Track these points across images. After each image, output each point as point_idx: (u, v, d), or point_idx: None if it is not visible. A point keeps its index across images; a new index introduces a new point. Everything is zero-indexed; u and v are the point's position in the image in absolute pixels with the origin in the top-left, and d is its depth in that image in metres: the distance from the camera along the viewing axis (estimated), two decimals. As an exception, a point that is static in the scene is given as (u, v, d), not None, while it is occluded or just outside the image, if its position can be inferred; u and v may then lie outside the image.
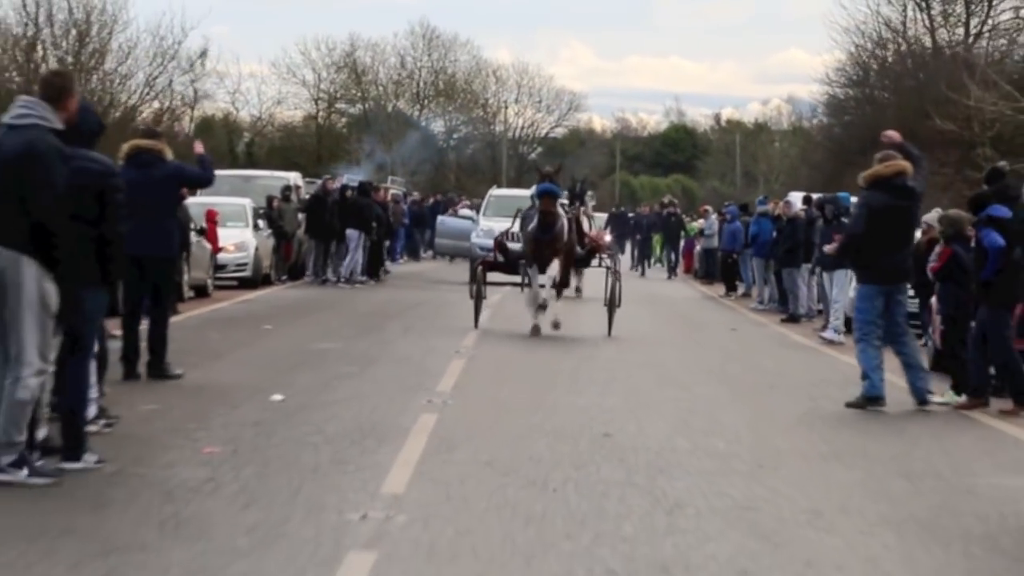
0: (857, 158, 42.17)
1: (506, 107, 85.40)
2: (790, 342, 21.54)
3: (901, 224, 13.65)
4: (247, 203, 28.61)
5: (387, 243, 35.94)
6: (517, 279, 22.59)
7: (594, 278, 24.14)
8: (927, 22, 51.18)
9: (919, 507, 8.82)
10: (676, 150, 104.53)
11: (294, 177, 33.71)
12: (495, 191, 39.91)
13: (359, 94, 79.72)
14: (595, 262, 22.37)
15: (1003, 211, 13.57)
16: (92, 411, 9.85)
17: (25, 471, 8.43)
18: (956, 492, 9.41)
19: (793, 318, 24.96)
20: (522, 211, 21.40)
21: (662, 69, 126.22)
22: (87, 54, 38.90)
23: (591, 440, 10.71)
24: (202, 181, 15.10)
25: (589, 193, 47.50)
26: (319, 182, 32.05)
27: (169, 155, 13.98)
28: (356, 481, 8.72)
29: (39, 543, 7.01)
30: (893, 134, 14.01)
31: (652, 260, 45.78)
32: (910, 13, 51.10)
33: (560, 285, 20.47)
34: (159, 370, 13.51)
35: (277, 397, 12.23)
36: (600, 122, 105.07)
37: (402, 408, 11.90)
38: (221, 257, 26.65)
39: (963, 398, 13.74)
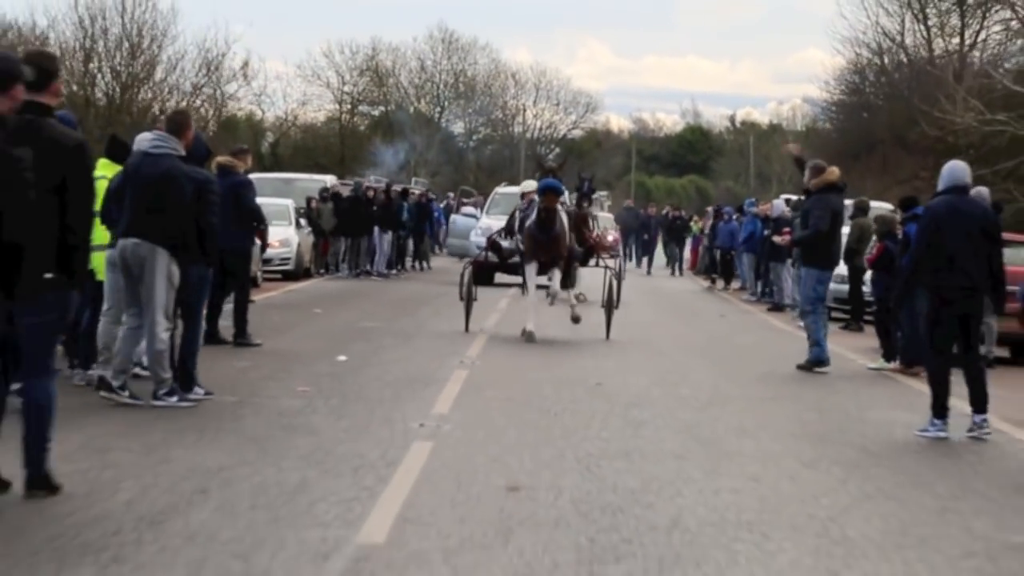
0: (851, 162, 45.74)
1: (524, 110, 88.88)
2: (770, 326, 25.07)
3: (839, 220, 17.20)
4: (289, 203, 32.20)
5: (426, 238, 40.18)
6: (513, 279, 23.18)
7: (595, 280, 23.40)
8: (924, 32, 54.61)
9: (820, 428, 12.32)
10: (692, 151, 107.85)
11: (331, 180, 37.38)
12: (501, 189, 39.63)
13: (381, 97, 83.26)
14: (592, 262, 21.61)
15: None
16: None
17: (175, 397, 11.98)
18: (852, 420, 12.94)
19: (778, 307, 28.48)
20: (519, 208, 20.95)
21: (679, 68, 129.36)
22: (138, 65, 42.79)
23: (586, 387, 14.24)
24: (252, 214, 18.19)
25: (604, 193, 49.63)
26: (352, 184, 35.89)
27: (242, 168, 17.49)
28: (413, 407, 12.25)
29: (207, 435, 10.56)
30: (793, 147, 17.82)
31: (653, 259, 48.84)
32: (908, 24, 54.58)
33: (564, 285, 20.04)
34: (243, 339, 17.08)
35: (341, 358, 15.79)
36: (617, 122, 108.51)
37: (440, 366, 15.45)
38: (267, 252, 30.17)
39: (893, 363, 17.26)
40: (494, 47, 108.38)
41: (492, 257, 21.79)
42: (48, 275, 8.05)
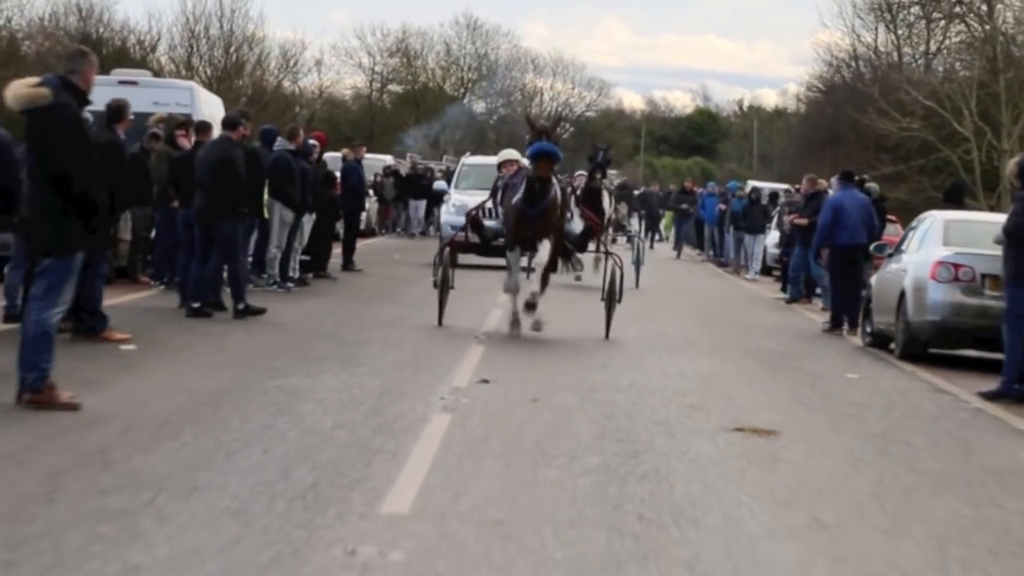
0: (817, 152, 56.34)
1: (541, 92, 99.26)
2: (716, 274, 35.76)
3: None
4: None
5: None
6: (494, 261, 22.49)
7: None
8: (895, 40, 64.99)
9: (767, 362, 21.47)
10: (700, 133, 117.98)
11: (391, 159, 48.05)
12: (468, 159, 38.17)
13: (409, 77, 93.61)
14: (592, 246, 20.14)
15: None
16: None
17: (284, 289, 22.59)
18: (790, 356, 22.39)
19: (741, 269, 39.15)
20: (502, 179, 19.05)
21: (696, 47, 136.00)
22: (230, 61, 53.62)
23: (592, 339, 18.83)
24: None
25: (615, 172, 56.41)
26: (408, 162, 46.84)
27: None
28: (475, 313, 22.64)
29: (291, 331, 21.14)
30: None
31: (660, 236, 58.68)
32: (881, 34, 64.97)
33: (547, 271, 18.27)
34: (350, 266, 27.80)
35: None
36: (630, 102, 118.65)
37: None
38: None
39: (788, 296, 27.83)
40: (515, 33, 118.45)
41: (473, 238, 20.03)
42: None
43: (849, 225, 22.37)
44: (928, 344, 18.81)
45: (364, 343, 16.66)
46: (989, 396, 15.25)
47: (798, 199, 29.80)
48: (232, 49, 53.27)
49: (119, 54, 50.37)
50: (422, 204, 45.13)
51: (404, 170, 44.82)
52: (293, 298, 21.91)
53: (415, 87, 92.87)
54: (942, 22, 62.69)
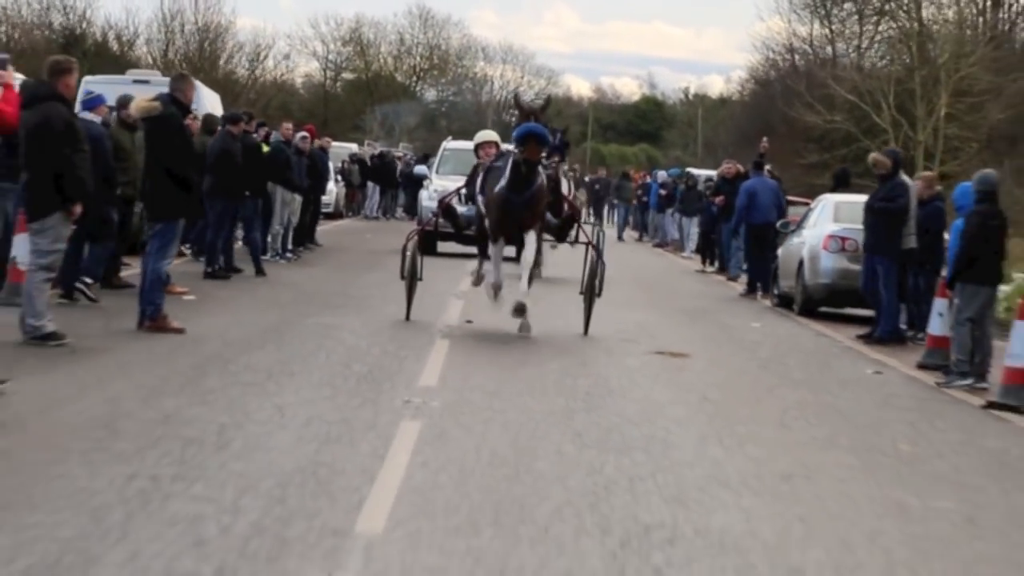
0: (755, 141, 61.23)
1: (492, 81, 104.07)
2: (658, 254, 40.61)
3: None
4: (330, 164, 47.47)
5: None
6: (469, 249, 22.99)
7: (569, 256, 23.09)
8: (828, 34, 69.98)
9: (689, 315, 27.39)
10: (646, 120, 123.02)
11: (356, 147, 52.66)
12: (450, 143, 37.69)
13: (363, 65, 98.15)
14: (571, 235, 19.39)
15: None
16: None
17: (286, 260, 27.32)
18: (709, 312, 28.10)
19: (662, 244, 43.94)
20: (482, 164, 17.97)
21: (645, 34, 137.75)
22: (206, 54, 58.25)
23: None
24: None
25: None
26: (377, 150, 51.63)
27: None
28: (453, 283, 27.39)
29: (305, 289, 25.83)
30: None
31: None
32: (816, 28, 69.92)
33: (533, 269, 17.74)
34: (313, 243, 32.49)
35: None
36: (577, 89, 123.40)
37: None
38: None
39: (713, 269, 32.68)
40: (466, 23, 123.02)
41: (445, 225, 19.81)
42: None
43: (762, 206, 27.19)
44: (820, 302, 23.62)
45: (367, 297, 21.35)
46: (864, 338, 20.07)
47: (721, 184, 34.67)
48: (206, 43, 58.06)
49: (100, 48, 55.09)
50: (380, 188, 49.94)
51: (368, 156, 49.56)
52: (295, 266, 26.56)
53: (368, 75, 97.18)
54: (874, 18, 67.73)
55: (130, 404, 11.11)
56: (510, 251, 18.36)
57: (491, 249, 17.75)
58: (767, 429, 12.24)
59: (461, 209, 19.25)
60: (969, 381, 15.79)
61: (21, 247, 16.95)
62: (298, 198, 27.96)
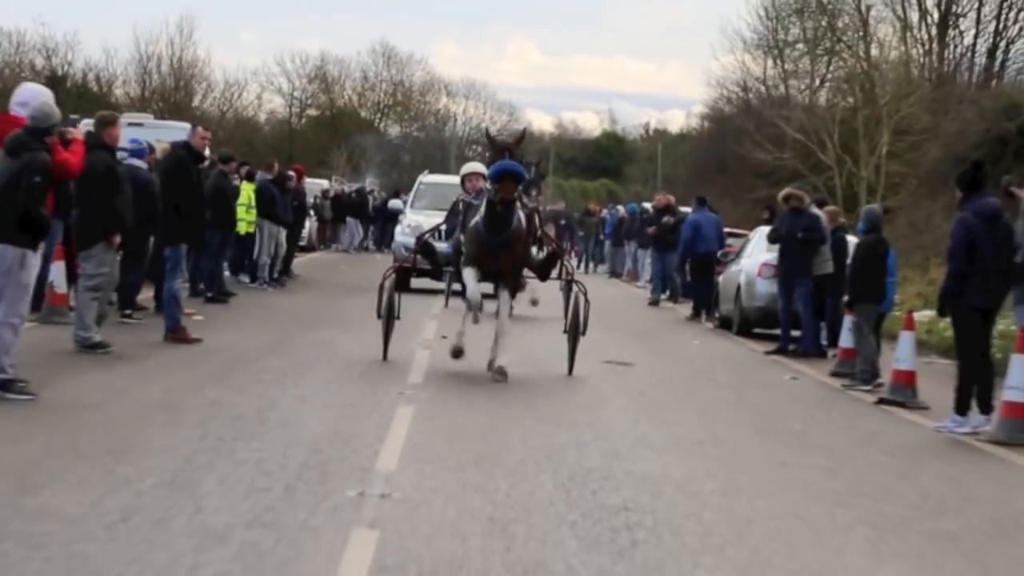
0: (711, 176, 64.70)
1: (455, 117, 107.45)
2: (613, 284, 43.85)
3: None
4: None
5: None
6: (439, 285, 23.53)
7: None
8: (782, 73, 73.45)
9: (637, 334, 30.48)
10: (607, 156, 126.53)
11: (326, 183, 55.81)
12: (426, 177, 37.17)
13: (328, 102, 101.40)
14: (554, 272, 18.62)
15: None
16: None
17: (273, 287, 30.46)
18: (656, 332, 31.31)
19: (616, 274, 47.20)
20: (462, 200, 17.89)
21: (607, 68, 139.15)
22: (180, 95, 61.54)
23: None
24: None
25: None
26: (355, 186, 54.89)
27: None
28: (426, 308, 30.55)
29: (296, 312, 28.98)
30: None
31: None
32: (769, 68, 73.38)
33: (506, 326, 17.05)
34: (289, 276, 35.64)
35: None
36: (539, 124, 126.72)
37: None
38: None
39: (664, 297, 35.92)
40: (429, 61, 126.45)
41: (422, 262, 19.49)
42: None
43: (706, 238, 30.46)
44: (755, 323, 26.79)
45: (352, 318, 24.38)
46: (778, 351, 23.26)
47: (655, 215, 37.91)
48: (181, 84, 61.41)
49: (81, 89, 58.39)
50: (355, 222, 53.25)
51: (334, 191, 52.95)
52: (280, 293, 29.65)
53: (332, 112, 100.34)
54: (824, 57, 71.21)
55: (181, 393, 14.21)
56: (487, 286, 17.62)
57: (464, 274, 17.17)
58: (690, 415, 15.42)
59: (440, 246, 19.08)
60: (870, 386, 18.94)
61: (57, 273, 20.14)
62: (283, 231, 31.10)
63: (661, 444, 13.02)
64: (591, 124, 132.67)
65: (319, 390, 15.04)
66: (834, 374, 20.64)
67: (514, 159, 16.68)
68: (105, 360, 16.44)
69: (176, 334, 18.73)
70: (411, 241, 27.25)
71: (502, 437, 12.73)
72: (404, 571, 7.88)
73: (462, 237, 17.44)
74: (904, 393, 17.63)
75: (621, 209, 52.20)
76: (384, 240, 54.91)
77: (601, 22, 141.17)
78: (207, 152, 23.50)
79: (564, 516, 9.52)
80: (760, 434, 14.34)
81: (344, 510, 9.26)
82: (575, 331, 18.14)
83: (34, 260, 13.88)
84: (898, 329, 19.09)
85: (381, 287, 18.46)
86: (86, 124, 32.44)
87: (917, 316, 21.25)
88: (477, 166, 18.96)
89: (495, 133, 16.45)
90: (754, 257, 27.12)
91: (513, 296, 17.60)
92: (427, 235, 19.45)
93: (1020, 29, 63.22)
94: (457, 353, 17.07)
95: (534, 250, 17.90)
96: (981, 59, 65.39)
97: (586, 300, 18.11)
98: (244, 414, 13.05)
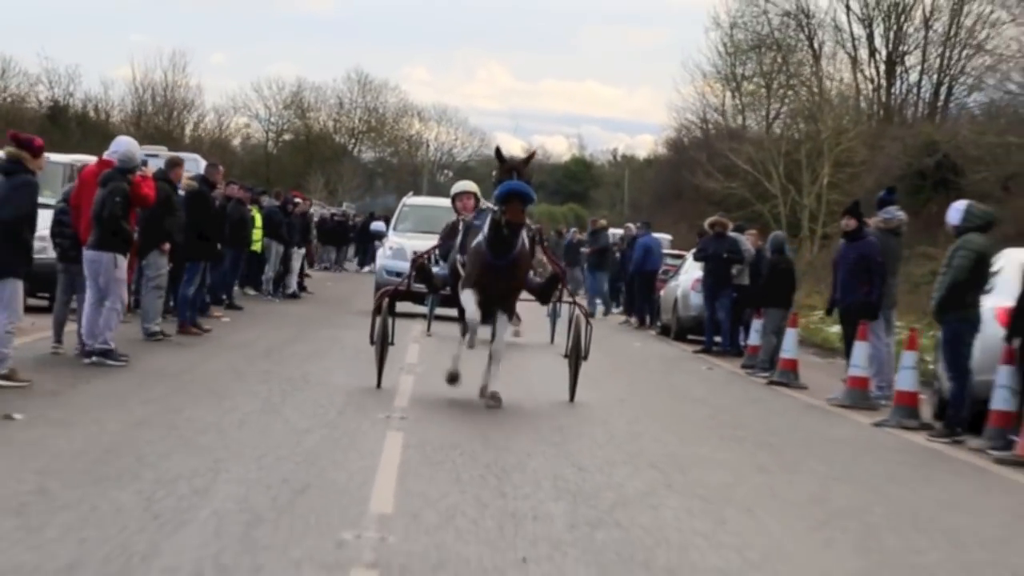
0: (670, 202, 70.32)
1: (427, 143, 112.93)
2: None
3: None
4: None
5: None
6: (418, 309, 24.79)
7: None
8: (739, 105, 79.19)
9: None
10: (575, 180, 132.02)
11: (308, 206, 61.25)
12: (410, 199, 37.70)
13: (304, 127, 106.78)
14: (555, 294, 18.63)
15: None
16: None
17: (277, 298, 35.93)
18: (604, 338, 36.76)
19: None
20: (464, 222, 17.59)
21: (577, 93, 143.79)
22: (173, 126, 67.19)
23: None
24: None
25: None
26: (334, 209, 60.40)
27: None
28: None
29: (305, 317, 34.43)
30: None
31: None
32: (728, 100, 79.09)
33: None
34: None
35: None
36: (509, 148, 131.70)
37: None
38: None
39: (620, 316, 41.43)
40: (402, 88, 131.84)
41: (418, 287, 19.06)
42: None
43: (653, 258, 36.05)
44: (690, 330, 32.31)
45: (351, 322, 29.85)
46: (696, 351, 28.78)
47: (587, 237, 43.38)
48: (175, 114, 67.16)
49: (82, 118, 64.06)
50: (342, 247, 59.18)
51: (319, 216, 58.71)
52: (285, 303, 35.06)
53: (309, 137, 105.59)
54: (779, 91, 76.93)
55: (239, 367, 19.63)
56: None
57: (463, 296, 16.93)
58: (620, 384, 20.89)
59: (436, 270, 18.83)
60: (767, 374, 24.42)
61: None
62: (297, 250, 36.72)
63: (596, 402, 18.45)
64: (560, 148, 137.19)
65: (341, 366, 20.49)
66: (743, 366, 26.15)
67: (522, 179, 16.30)
68: (167, 345, 21.84)
69: (183, 328, 24.08)
70: (394, 264, 30.43)
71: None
72: (422, 450, 13.27)
73: (459, 258, 17.36)
74: (788, 376, 23.14)
75: (574, 230, 57.68)
76: (365, 260, 60.24)
77: (572, 47, 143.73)
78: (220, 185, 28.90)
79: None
80: (669, 397, 19.88)
81: (378, 425, 14.67)
82: (576, 355, 18.14)
83: (123, 262, 19.33)
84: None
85: (375, 311, 18.50)
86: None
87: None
88: (468, 185, 19.19)
89: (505, 153, 16.49)
90: (689, 274, 32.66)
91: (510, 320, 17.51)
92: (423, 257, 19.12)
93: (962, 67, 69.13)
94: (453, 378, 17.04)
95: (530, 273, 17.73)
96: (927, 95, 71.40)
97: (588, 323, 18.30)
98: (292, 378, 18.46)
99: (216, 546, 8.52)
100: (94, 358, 18.59)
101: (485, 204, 17.67)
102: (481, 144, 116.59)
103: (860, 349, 20.12)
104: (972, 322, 16.68)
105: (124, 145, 20.67)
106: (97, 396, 15.65)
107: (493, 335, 17.16)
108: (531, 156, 17.48)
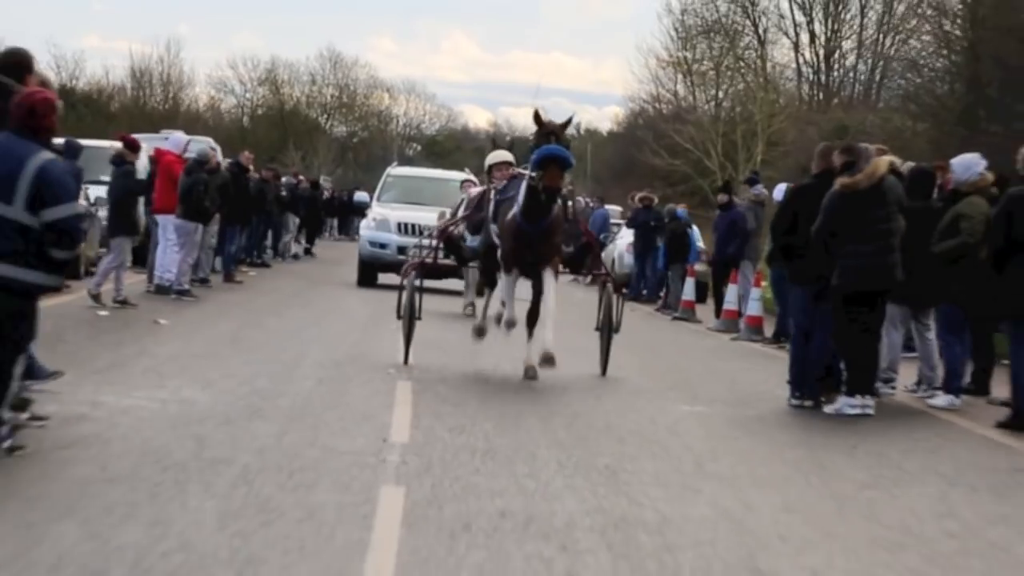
0: (623, 177, 78.47)
1: (397, 119, 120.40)
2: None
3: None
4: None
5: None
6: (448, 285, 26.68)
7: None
8: (690, 86, 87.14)
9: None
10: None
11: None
12: (394, 169, 37.67)
13: (278, 103, 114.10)
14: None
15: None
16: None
17: (283, 260, 44.16)
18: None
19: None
20: (497, 190, 17.10)
21: (544, 64, 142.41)
22: (168, 103, 75.08)
23: None
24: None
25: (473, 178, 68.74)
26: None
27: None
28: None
29: (311, 275, 42.62)
30: None
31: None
32: (680, 80, 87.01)
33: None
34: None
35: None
36: (475, 121, 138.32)
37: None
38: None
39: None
40: (372, 63, 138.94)
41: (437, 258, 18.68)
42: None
43: (601, 227, 44.28)
44: (624, 285, 40.38)
45: (348, 278, 37.82)
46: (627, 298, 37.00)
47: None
48: (171, 96, 75.31)
49: (86, 100, 72.09)
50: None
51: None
52: (293, 264, 43.15)
53: (282, 113, 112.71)
54: (728, 73, 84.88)
55: (278, 305, 27.69)
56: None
57: (503, 280, 17.15)
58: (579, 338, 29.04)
59: (467, 239, 18.61)
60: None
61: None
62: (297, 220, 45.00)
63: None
64: (525, 122, 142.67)
65: (353, 305, 28.56)
66: (656, 309, 34.27)
67: (560, 143, 16.06)
68: (217, 290, 29.92)
69: (230, 277, 32.28)
70: (377, 235, 32.78)
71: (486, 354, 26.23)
72: (432, 393, 21.28)
73: (493, 228, 17.24)
74: (688, 314, 31.33)
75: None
76: (348, 232, 68.00)
77: (538, 17, 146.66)
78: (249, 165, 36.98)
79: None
80: (637, 355, 27.97)
81: (393, 336, 22.59)
82: (608, 328, 18.00)
83: (200, 231, 27.49)
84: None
85: (401, 286, 18.41)
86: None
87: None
88: (505, 154, 18.90)
89: (543, 112, 16.10)
90: (624, 239, 40.81)
91: (556, 278, 17.12)
92: (450, 227, 19.05)
93: (895, 51, 77.15)
94: (481, 332, 18.04)
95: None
96: (863, 77, 79.56)
97: (620, 297, 18.31)
98: (324, 308, 26.58)
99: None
100: (174, 295, 26.69)
101: (515, 173, 17.41)
102: (448, 119, 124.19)
103: (731, 290, 28.34)
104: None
105: (182, 140, 28.87)
106: (200, 313, 24.08)
107: (542, 296, 17.09)
108: (568, 121, 17.02)
